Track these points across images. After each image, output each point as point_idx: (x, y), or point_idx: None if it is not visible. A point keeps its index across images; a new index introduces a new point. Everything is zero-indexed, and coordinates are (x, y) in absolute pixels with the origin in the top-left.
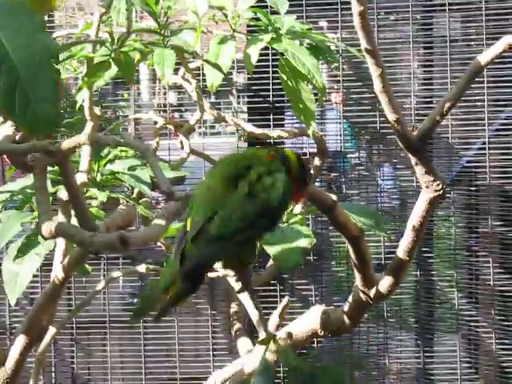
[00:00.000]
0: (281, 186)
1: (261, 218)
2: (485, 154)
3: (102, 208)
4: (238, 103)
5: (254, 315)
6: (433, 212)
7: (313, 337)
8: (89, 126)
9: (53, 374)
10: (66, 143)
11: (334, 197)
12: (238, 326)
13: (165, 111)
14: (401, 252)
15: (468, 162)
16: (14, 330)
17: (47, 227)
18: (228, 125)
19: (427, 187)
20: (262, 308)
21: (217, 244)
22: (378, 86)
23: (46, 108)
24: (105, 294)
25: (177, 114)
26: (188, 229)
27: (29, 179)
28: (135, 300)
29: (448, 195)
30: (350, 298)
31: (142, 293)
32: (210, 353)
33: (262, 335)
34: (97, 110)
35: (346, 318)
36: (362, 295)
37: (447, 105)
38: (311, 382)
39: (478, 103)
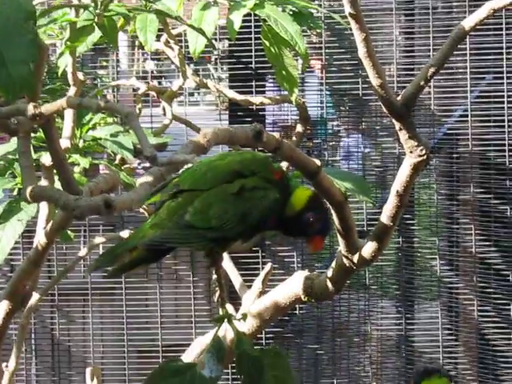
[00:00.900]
0: (269, 204)
1: (237, 224)
2: (466, 121)
3: (84, 175)
4: (216, 70)
5: (236, 282)
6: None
7: (296, 302)
8: (72, 90)
9: (33, 341)
10: (49, 106)
11: (317, 162)
12: (219, 294)
13: (144, 78)
14: (384, 217)
15: (449, 129)
16: None
17: (31, 191)
18: (207, 92)
19: (411, 152)
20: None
21: (186, 231)
22: (362, 51)
23: (21, 69)
24: (86, 261)
25: (156, 82)
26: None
27: (11, 145)
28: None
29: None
30: (333, 264)
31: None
32: (192, 319)
33: (244, 302)
34: (80, 75)
35: (329, 284)
36: (345, 261)
37: (431, 70)
38: (257, 368)
39: (460, 70)
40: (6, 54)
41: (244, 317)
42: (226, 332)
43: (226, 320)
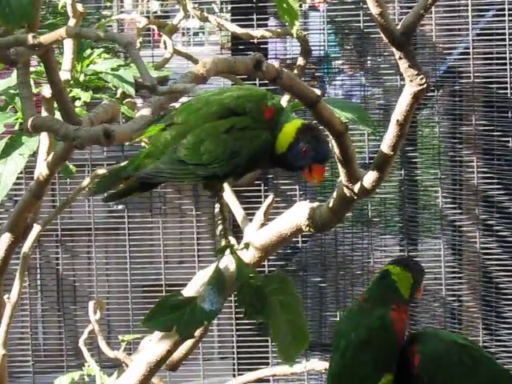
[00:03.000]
0: (258, 145)
1: (227, 162)
2: (468, 59)
3: (85, 109)
4: (221, 10)
5: (238, 214)
6: (416, 113)
7: (297, 233)
8: (71, 22)
9: (38, 276)
10: (48, 36)
11: (318, 91)
12: (221, 226)
13: (148, 18)
14: (385, 147)
15: (451, 67)
16: None
17: (31, 122)
18: (212, 32)
19: (411, 81)
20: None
21: (177, 166)
22: None
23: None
24: (89, 201)
25: None
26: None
27: (11, 80)
28: (120, 206)
29: (432, 94)
30: (334, 194)
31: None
32: (195, 253)
33: (245, 234)
34: (80, 7)
35: (330, 214)
36: (345, 190)
37: None
38: (259, 297)
39: (462, 8)
40: None
41: (246, 246)
42: (229, 263)
43: (228, 251)
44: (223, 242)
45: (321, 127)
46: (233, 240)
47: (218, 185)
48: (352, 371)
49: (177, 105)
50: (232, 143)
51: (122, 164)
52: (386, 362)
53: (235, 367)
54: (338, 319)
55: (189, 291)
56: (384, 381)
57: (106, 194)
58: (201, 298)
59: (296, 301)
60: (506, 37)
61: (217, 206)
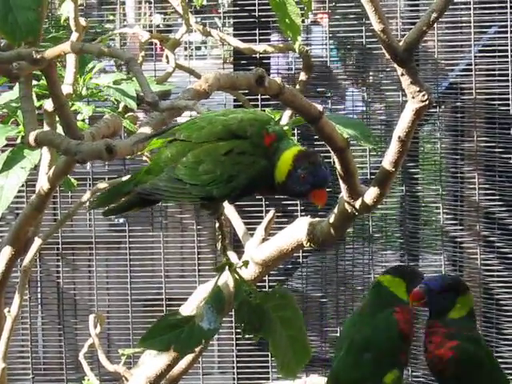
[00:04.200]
0: (255, 172)
1: (224, 185)
2: (470, 75)
3: (87, 123)
4: (224, 25)
5: (239, 229)
6: (418, 129)
7: (298, 248)
8: (74, 36)
9: (38, 289)
10: (51, 51)
11: (320, 107)
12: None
13: (150, 32)
14: (387, 163)
15: (453, 83)
16: None
17: (33, 136)
18: (214, 46)
19: (413, 97)
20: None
21: (175, 185)
22: None
23: (27, 15)
24: (90, 214)
25: None
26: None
27: (13, 93)
28: (121, 220)
29: (434, 110)
30: (335, 210)
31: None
32: (196, 272)
33: (246, 249)
34: (82, 21)
35: (330, 229)
36: (347, 206)
37: (434, 15)
38: (258, 315)
39: (465, 24)
40: (13, 0)
41: (245, 264)
42: (229, 279)
43: (227, 268)
44: (223, 260)
45: (322, 142)
46: (234, 256)
47: (215, 205)
48: (354, 370)
49: (180, 119)
50: (230, 166)
51: (124, 179)
52: (389, 361)
53: (235, 382)
54: (338, 334)
55: (189, 306)
56: (392, 377)
57: (106, 208)
58: (199, 316)
59: (297, 316)
60: (509, 53)
61: (216, 224)
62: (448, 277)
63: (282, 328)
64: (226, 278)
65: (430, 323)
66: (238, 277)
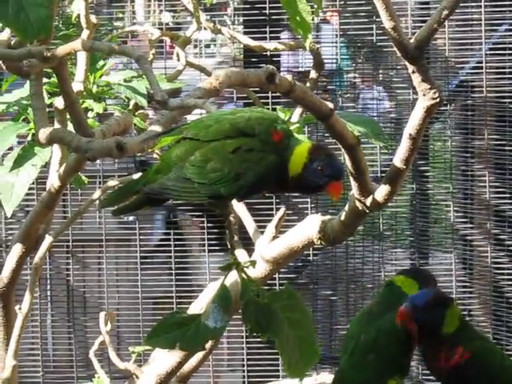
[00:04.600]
0: (264, 168)
1: (232, 183)
2: (481, 73)
3: (97, 120)
4: (234, 23)
5: (250, 227)
6: (428, 127)
7: (308, 246)
8: (85, 33)
9: (48, 287)
10: (61, 49)
11: (330, 105)
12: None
13: (160, 30)
14: (397, 160)
15: (463, 81)
16: (9, 243)
17: (44, 133)
18: (223, 44)
19: (424, 95)
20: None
21: (183, 184)
22: None
23: (39, 12)
24: (100, 212)
25: None
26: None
27: (24, 90)
28: (131, 218)
29: (444, 108)
30: (346, 207)
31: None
32: (207, 270)
33: (257, 247)
34: (93, 18)
35: (341, 227)
36: (358, 204)
37: (445, 12)
38: (265, 315)
39: (475, 22)
40: None
41: (252, 264)
42: (238, 278)
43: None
44: (231, 259)
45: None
46: (244, 254)
47: (223, 204)
48: (359, 371)
49: (190, 116)
50: (238, 164)
51: (134, 177)
52: (393, 363)
53: (245, 380)
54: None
55: (199, 304)
56: (394, 382)
57: (115, 208)
58: (205, 315)
59: (306, 316)
60: None
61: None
62: (430, 291)
63: (289, 328)
64: (236, 277)
65: (428, 343)
66: (245, 276)
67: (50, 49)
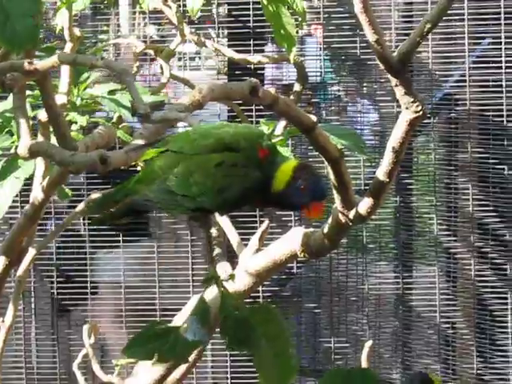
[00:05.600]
0: (247, 183)
1: (214, 197)
2: (464, 86)
3: (82, 133)
4: (218, 35)
5: (234, 240)
6: (412, 140)
7: (292, 259)
8: (68, 46)
9: (32, 299)
10: (44, 62)
11: (313, 118)
12: (217, 251)
13: (145, 43)
14: (381, 173)
15: (447, 94)
16: None
17: (25, 147)
18: (208, 57)
19: (407, 108)
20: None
21: (166, 196)
22: (358, 6)
23: (25, 23)
24: (85, 219)
25: None
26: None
27: (8, 103)
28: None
29: (428, 121)
30: (330, 220)
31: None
32: (190, 282)
33: (240, 260)
34: (77, 31)
35: (325, 240)
36: (341, 217)
37: (428, 26)
38: (244, 329)
39: (459, 35)
40: (11, 8)
41: (232, 277)
42: (218, 292)
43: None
44: (210, 273)
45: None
46: (227, 267)
47: (205, 217)
48: None
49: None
50: (221, 178)
51: (115, 188)
52: None
53: None
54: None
55: (183, 316)
56: None
57: (94, 218)
58: (184, 327)
59: (283, 332)
60: (503, 64)
61: (212, 230)
62: (415, 376)
63: (266, 344)
64: (216, 291)
65: None
66: (224, 290)
67: (31, 62)
